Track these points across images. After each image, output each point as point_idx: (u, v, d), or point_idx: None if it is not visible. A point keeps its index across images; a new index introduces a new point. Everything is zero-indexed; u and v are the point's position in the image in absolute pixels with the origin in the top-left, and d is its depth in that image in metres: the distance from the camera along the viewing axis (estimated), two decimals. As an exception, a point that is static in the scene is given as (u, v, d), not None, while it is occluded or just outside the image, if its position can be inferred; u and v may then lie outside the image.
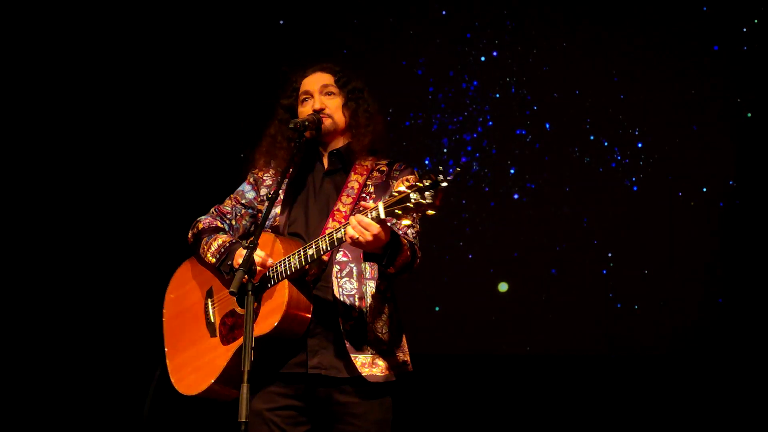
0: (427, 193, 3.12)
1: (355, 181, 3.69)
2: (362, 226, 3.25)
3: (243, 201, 3.82)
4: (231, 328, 3.58)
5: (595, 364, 5.97)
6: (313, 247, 3.41)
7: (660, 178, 6.02)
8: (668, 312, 5.94)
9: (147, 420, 3.78)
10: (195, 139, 6.22)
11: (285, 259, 3.47)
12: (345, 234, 3.29)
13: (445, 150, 6.21)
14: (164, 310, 3.84)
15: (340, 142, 3.78)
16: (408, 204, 3.14)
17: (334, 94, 3.75)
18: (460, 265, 6.16)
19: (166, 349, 3.76)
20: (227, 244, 3.63)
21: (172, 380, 3.70)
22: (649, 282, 5.99)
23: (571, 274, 6.07)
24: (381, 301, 3.61)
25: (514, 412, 5.94)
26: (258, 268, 3.43)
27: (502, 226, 6.14)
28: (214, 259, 3.62)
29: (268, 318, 3.46)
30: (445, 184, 3.11)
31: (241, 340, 3.40)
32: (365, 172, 3.70)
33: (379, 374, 3.54)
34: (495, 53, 6.21)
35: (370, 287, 3.59)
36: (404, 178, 3.67)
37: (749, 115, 5.89)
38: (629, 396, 5.87)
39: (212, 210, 3.86)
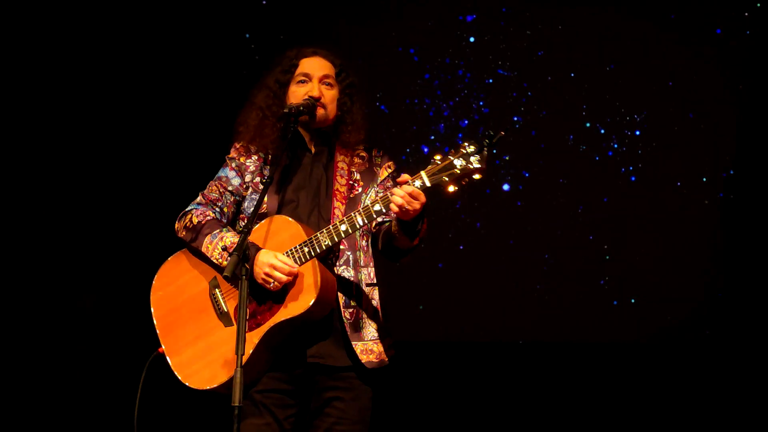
0: (473, 158, 3.28)
1: (342, 161, 3.76)
2: (412, 196, 3.35)
3: (230, 188, 3.76)
4: (251, 315, 3.54)
5: (590, 355, 5.90)
6: (346, 222, 3.47)
7: (658, 167, 5.94)
8: (666, 305, 5.87)
9: (138, 416, 3.66)
10: (170, 129, 6.06)
11: (312, 238, 3.49)
12: (392, 203, 3.37)
13: (432, 137, 6.12)
14: (153, 308, 3.73)
15: (326, 130, 3.82)
16: (455, 170, 3.30)
17: (332, 85, 3.77)
18: (452, 255, 6.07)
19: (164, 347, 3.67)
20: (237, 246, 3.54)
21: (180, 376, 3.61)
22: (646, 274, 5.91)
23: (566, 264, 5.99)
24: (372, 288, 3.71)
25: (506, 399, 5.91)
26: (285, 278, 3.46)
27: (496, 215, 6.06)
28: (225, 262, 3.54)
29: (299, 298, 3.48)
30: (489, 145, 3.27)
31: (266, 326, 3.48)
32: (348, 156, 3.78)
33: (374, 360, 3.63)
34: (488, 37, 6.11)
35: (364, 275, 3.68)
36: (387, 164, 3.81)
37: (752, 101, 5.79)
38: (624, 388, 5.82)
39: (200, 198, 3.77)
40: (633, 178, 5.95)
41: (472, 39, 6.11)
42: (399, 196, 3.35)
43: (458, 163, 3.29)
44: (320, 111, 3.70)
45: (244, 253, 3.23)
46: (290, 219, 3.55)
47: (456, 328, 6.03)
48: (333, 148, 3.77)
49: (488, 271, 6.04)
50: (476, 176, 3.29)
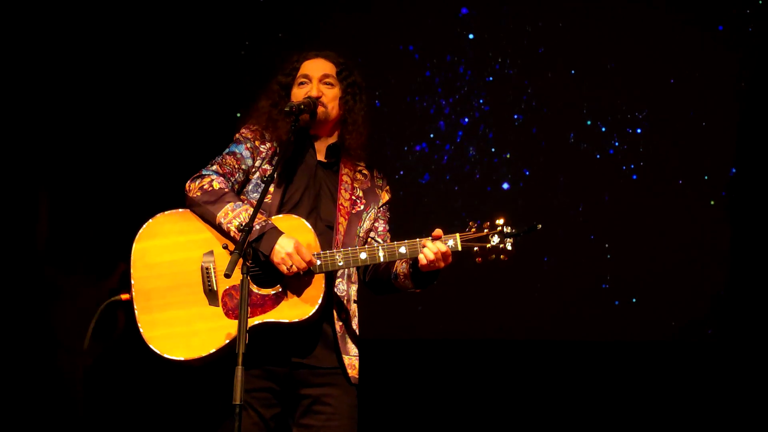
0: (508, 240, 3.48)
1: (346, 175, 3.81)
2: (444, 255, 3.49)
3: (243, 167, 3.74)
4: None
5: (591, 355, 5.88)
6: (366, 252, 3.54)
7: (660, 165, 5.90)
8: (667, 305, 5.82)
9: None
10: (165, 127, 6.03)
11: (328, 254, 3.54)
12: (423, 255, 3.48)
13: (432, 135, 6.09)
14: (133, 257, 3.62)
15: (332, 135, 3.85)
16: (487, 245, 3.49)
17: (332, 84, 3.80)
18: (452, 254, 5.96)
19: (133, 293, 3.58)
20: (263, 222, 3.54)
21: (145, 336, 3.55)
22: (648, 273, 5.86)
23: (566, 263, 5.95)
24: (355, 306, 3.78)
25: (507, 398, 5.90)
26: (305, 265, 3.48)
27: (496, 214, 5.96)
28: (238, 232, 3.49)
29: (297, 307, 3.51)
30: (525, 233, 3.48)
31: (253, 320, 3.46)
32: (351, 172, 3.83)
33: (356, 375, 3.71)
34: (488, 34, 6.07)
35: (353, 290, 3.76)
36: (386, 189, 3.91)
37: (754, 99, 5.76)
38: (625, 388, 5.81)
39: (216, 167, 3.70)
40: (634, 177, 5.91)
41: (471, 36, 6.09)
42: (432, 251, 3.47)
43: (494, 239, 3.48)
44: (320, 109, 3.74)
45: (244, 253, 3.22)
46: (308, 225, 3.58)
47: (455, 328, 5.99)
48: (339, 160, 3.82)
49: (488, 270, 5.98)
50: (503, 258, 3.47)
